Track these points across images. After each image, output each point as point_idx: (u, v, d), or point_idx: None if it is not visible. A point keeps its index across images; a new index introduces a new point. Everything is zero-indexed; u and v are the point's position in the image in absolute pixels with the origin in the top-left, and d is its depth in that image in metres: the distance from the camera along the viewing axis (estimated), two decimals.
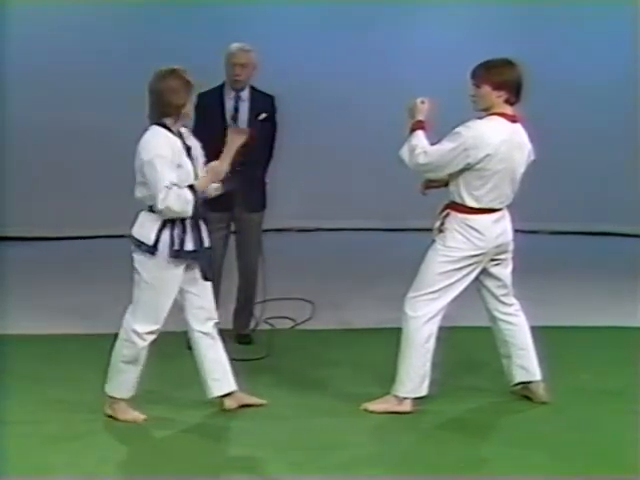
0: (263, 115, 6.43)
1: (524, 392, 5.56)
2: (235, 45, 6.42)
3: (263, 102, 6.49)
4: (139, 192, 5.15)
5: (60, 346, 6.49)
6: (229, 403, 5.37)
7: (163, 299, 5.16)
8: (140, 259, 5.16)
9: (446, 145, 5.22)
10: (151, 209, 5.10)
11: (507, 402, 5.55)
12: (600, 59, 10.43)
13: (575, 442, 5.01)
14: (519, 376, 5.53)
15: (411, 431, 5.15)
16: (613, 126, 10.33)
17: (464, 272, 5.29)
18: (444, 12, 10.32)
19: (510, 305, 5.51)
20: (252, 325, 6.74)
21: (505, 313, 5.51)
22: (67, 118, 9.85)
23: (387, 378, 5.41)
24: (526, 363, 5.51)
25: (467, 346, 6.35)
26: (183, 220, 5.09)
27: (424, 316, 5.27)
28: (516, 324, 5.51)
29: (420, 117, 5.35)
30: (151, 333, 5.16)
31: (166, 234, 5.08)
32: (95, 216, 9.99)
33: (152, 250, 5.09)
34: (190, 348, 6.40)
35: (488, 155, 5.17)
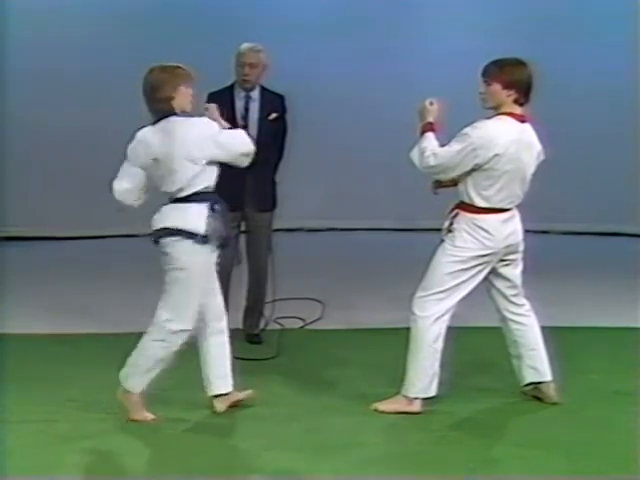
0: (273, 115, 6.45)
1: (534, 393, 5.54)
2: (245, 45, 6.43)
3: (273, 102, 6.50)
4: (176, 184, 5.05)
5: (64, 346, 6.49)
6: (219, 406, 5.32)
7: (204, 293, 5.14)
8: (186, 251, 5.03)
9: (454, 147, 5.21)
10: (188, 199, 5.04)
11: (517, 402, 5.53)
12: (603, 61, 10.41)
13: (586, 442, 4.98)
14: (529, 377, 5.52)
15: (422, 431, 5.13)
16: (612, 125, 10.31)
17: (473, 272, 5.28)
18: (453, 14, 10.34)
19: (521, 305, 5.50)
20: (262, 325, 6.74)
21: (515, 313, 5.50)
22: (68, 118, 9.87)
23: (397, 378, 5.40)
24: (536, 364, 5.50)
25: (477, 346, 6.34)
26: (214, 208, 5.06)
27: (432, 316, 5.26)
28: (526, 324, 5.50)
29: (430, 119, 5.35)
30: (188, 331, 5.11)
31: (211, 222, 5.05)
32: (96, 216, 9.98)
33: (204, 240, 5.03)
34: None
35: (497, 155, 5.16)
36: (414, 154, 5.33)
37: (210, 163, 5.06)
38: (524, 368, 5.51)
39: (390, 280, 8.03)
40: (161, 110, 5.10)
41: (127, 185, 5.15)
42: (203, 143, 5.03)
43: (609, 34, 10.27)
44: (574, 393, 5.56)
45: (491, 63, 5.30)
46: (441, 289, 5.26)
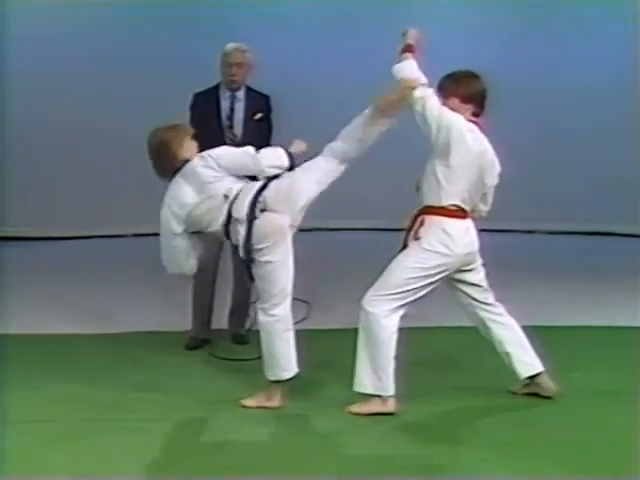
0: (259, 115, 6.44)
1: (530, 389, 5.53)
2: (231, 45, 6.43)
3: (258, 102, 6.51)
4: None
5: (62, 346, 6.50)
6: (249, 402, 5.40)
7: None
8: None
9: (435, 109, 5.22)
10: None
11: (501, 401, 5.53)
12: (600, 59, 10.45)
13: (576, 442, 4.96)
14: (524, 371, 5.49)
15: (403, 432, 5.11)
16: (613, 126, 10.36)
17: (432, 279, 5.30)
18: (443, 13, 10.33)
19: (495, 306, 5.52)
20: (247, 325, 6.72)
21: (493, 313, 5.51)
22: (67, 118, 9.93)
23: None
24: (525, 357, 5.49)
25: (453, 346, 6.39)
26: None
27: (383, 312, 5.25)
28: (505, 323, 5.51)
29: (410, 41, 5.39)
30: None
31: None
32: (95, 216, 10.04)
33: None
34: (191, 348, 6.44)
35: (455, 143, 5.18)
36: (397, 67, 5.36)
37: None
38: (516, 364, 5.48)
39: (377, 280, 8.00)
40: (172, 167, 5.26)
41: (193, 260, 5.38)
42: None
43: (609, 33, 10.32)
44: (563, 392, 5.53)
45: (445, 78, 5.38)
46: (397, 290, 5.26)
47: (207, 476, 4.58)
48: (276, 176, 5.33)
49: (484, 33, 9.96)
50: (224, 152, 5.34)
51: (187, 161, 5.26)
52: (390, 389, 5.27)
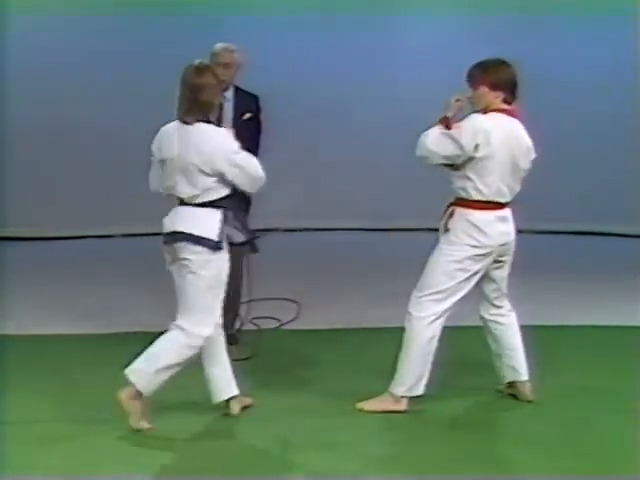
0: (247, 115, 6.44)
1: (510, 391, 5.57)
2: (219, 45, 6.42)
3: (247, 102, 6.49)
4: (192, 189, 4.99)
5: (60, 346, 6.51)
6: (234, 407, 5.33)
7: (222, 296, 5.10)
8: (203, 257, 4.99)
9: (440, 137, 5.22)
10: (209, 204, 5.01)
11: (504, 401, 5.54)
12: (600, 59, 10.43)
13: (575, 441, 4.98)
14: (509, 376, 5.55)
15: (400, 430, 5.13)
16: (613, 126, 10.35)
17: (470, 272, 5.27)
18: (436, 13, 10.33)
19: (500, 307, 5.52)
20: (237, 325, 6.72)
21: (495, 314, 5.52)
22: (67, 117, 9.96)
23: (373, 377, 5.46)
24: (514, 363, 5.52)
25: (469, 345, 6.34)
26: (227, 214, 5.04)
27: (428, 317, 5.24)
28: (504, 323, 5.51)
29: (448, 113, 5.30)
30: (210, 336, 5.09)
31: (223, 228, 5.02)
32: (94, 216, 10.05)
33: (219, 245, 4.99)
34: None
35: (480, 145, 5.15)
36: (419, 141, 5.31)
37: (220, 179, 5.01)
38: (504, 367, 5.54)
39: (365, 280, 8.03)
40: (198, 112, 5.03)
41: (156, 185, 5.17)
42: (216, 158, 4.97)
43: (609, 32, 10.30)
44: (551, 392, 5.56)
45: (474, 66, 5.32)
46: (438, 289, 5.24)
47: (201, 475, 4.60)
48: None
49: (484, 33, 9.95)
50: (248, 162, 5.09)
51: (208, 121, 5.02)
52: (410, 390, 5.29)
